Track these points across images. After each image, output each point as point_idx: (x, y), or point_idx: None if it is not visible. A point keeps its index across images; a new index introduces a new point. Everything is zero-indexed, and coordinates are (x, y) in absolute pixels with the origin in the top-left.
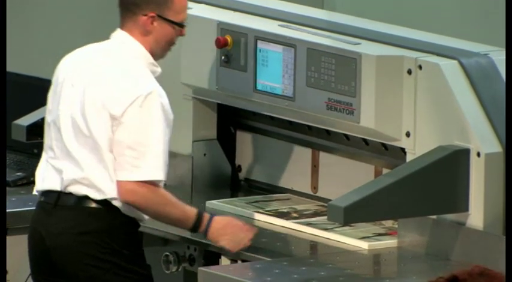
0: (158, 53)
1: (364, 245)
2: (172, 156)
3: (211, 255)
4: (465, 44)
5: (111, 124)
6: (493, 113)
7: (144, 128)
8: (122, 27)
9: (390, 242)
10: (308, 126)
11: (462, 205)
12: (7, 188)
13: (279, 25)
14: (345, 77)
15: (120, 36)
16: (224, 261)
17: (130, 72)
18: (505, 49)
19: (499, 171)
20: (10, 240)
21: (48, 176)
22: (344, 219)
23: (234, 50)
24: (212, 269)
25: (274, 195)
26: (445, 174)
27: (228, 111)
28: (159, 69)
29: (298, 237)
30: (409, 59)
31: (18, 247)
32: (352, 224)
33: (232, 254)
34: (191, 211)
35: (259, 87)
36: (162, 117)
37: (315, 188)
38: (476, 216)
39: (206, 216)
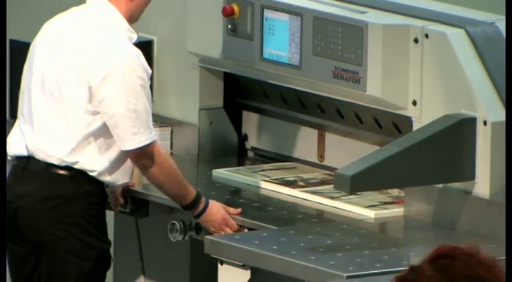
0: (137, 16)
1: (370, 213)
2: (179, 124)
3: None
4: (472, 12)
5: (88, 93)
6: (500, 81)
7: (128, 96)
8: None
9: (396, 211)
10: (320, 109)
11: (468, 174)
12: None
13: None
14: (351, 45)
15: (100, 2)
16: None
17: (107, 40)
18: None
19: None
20: None
21: (16, 141)
22: (350, 188)
23: (240, 18)
24: (218, 238)
25: (280, 163)
26: (451, 143)
27: (235, 80)
28: (135, 36)
29: (305, 205)
30: (416, 27)
31: None
32: (359, 193)
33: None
34: (191, 191)
35: (265, 55)
36: (144, 78)
37: (321, 156)
38: (482, 185)
39: (202, 201)
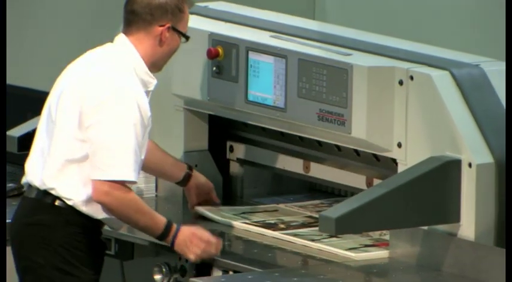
0: (161, 64)
1: (351, 256)
2: None
3: (203, 266)
4: (456, 54)
5: (79, 119)
6: (485, 123)
7: (115, 128)
8: (128, 34)
9: (377, 254)
10: (300, 137)
11: (453, 216)
12: None
13: (270, 36)
14: (336, 87)
15: (121, 42)
16: (216, 272)
17: (112, 75)
18: (496, 60)
19: (491, 182)
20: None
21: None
22: (335, 230)
23: (225, 60)
24: (204, 280)
25: (261, 206)
26: (437, 185)
27: (220, 123)
28: (154, 81)
29: (288, 248)
30: (401, 69)
31: (10, 256)
32: (340, 235)
33: (195, 261)
34: (160, 220)
35: (250, 98)
36: (138, 118)
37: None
38: (467, 227)
39: (174, 226)
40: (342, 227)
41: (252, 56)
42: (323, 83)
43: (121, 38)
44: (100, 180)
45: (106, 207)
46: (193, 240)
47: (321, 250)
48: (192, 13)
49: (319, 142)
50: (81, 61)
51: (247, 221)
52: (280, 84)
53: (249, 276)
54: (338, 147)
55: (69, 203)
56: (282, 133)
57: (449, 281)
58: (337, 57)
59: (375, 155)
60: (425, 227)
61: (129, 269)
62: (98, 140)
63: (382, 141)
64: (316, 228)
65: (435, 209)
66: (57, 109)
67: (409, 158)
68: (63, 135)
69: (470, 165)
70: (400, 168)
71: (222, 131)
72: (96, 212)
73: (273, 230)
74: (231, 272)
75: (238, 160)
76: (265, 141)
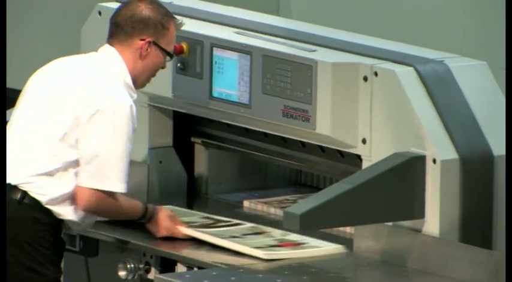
0: (141, 80)
1: (259, 253)
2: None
3: (167, 263)
4: (421, 50)
5: (71, 125)
6: (449, 119)
7: (111, 139)
8: (111, 46)
9: (285, 253)
10: (264, 133)
11: (418, 212)
12: None
13: (234, 32)
14: (300, 84)
15: (109, 51)
16: (180, 268)
17: (106, 81)
18: (460, 56)
19: (455, 178)
20: None
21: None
22: (300, 226)
23: (190, 57)
24: (168, 276)
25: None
26: (401, 181)
27: (185, 119)
28: (135, 95)
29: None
30: (365, 66)
31: None
32: (242, 236)
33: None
34: (139, 207)
35: (215, 94)
36: (130, 128)
37: None
38: (432, 223)
39: (150, 209)
40: (307, 223)
41: (217, 52)
42: (288, 79)
43: (108, 48)
44: (91, 188)
45: (90, 213)
46: (164, 223)
47: (227, 248)
48: None
49: (283, 138)
50: (70, 66)
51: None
52: (244, 81)
53: (214, 273)
54: (302, 143)
55: (41, 199)
56: (246, 129)
57: (414, 277)
58: (301, 53)
59: (339, 151)
60: (390, 223)
61: (94, 265)
62: (92, 149)
63: (347, 138)
64: (217, 229)
65: (400, 205)
66: (49, 111)
67: (374, 154)
68: (50, 138)
69: (434, 161)
70: (365, 164)
71: (186, 127)
72: (66, 213)
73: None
74: (195, 268)
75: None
76: (229, 138)
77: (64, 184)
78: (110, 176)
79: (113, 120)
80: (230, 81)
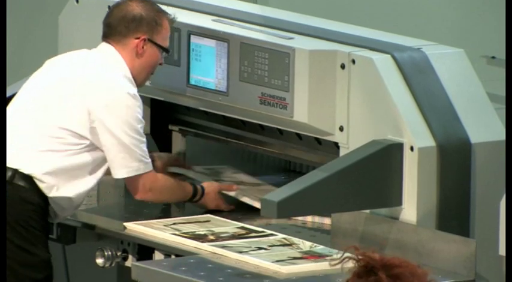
0: (141, 78)
1: (279, 268)
2: None
3: (145, 250)
4: (398, 38)
5: (86, 116)
6: (426, 107)
7: (128, 128)
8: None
9: (305, 266)
10: (242, 121)
11: (395, 199)
12: None
13: (212, 20)
14: (278, 71)
15: (108, 48)
16: (158, 256)
17: (112, 77)
18: (438, 43)
19: (432, 166)
20: None
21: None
22: (277, 214)
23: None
24: (146, 264)
25: (194, 216)
26: (379, 168)
27: (163, 107)
28: (135, 89)
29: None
30: (343, 53)
31: None
32: (268, 247)
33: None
34: (188, 186)
35: (192, 81)
36: (141, 116)
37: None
38: (409, 210)
39: (198, 187)
40: (284, 210)
41: (194, 39)
42: (265, 66)
43: (108, 46)
44: (133, 176)
45: (151, 200)
46: (213, 198)
47: (247, 262)
48: None
49: (261, 126)
50: (75, 60)
51: (176, 233)
52: (222, 68)
53: (191, 260)
54: (280, 131)
55: (28, 172)
56: (224, 117)
57: None
58: (279, 41)
59: (317, 139)
60: (367, 211)
61: (71, 253)
62: (114, 141)
63: (324, 125)
64: (247, 239)
65: (377, 193)
66: (59, 106)
67: (351, 141)
68: (51, 125)
69: (412, 148)
70: (342, 152)
71: (164, 115)
72: (51, 189)
73: (202, 242)
74: (173, 256)
75: (181, 130)
76: (207, 125)
77: (57, 158)
78: (141, 159)
79: (125, 111)
80: (207, 69)
